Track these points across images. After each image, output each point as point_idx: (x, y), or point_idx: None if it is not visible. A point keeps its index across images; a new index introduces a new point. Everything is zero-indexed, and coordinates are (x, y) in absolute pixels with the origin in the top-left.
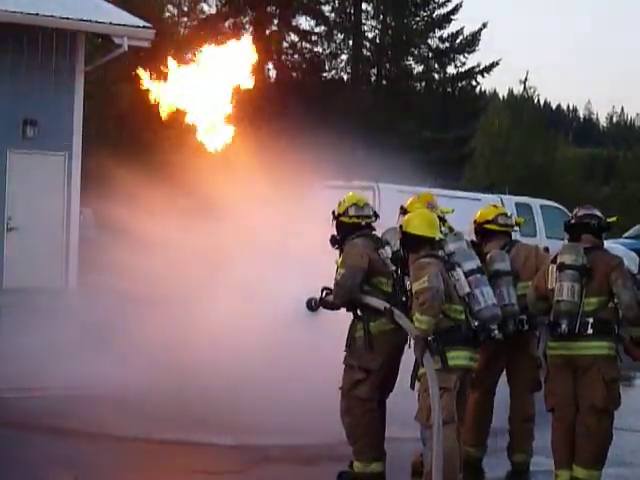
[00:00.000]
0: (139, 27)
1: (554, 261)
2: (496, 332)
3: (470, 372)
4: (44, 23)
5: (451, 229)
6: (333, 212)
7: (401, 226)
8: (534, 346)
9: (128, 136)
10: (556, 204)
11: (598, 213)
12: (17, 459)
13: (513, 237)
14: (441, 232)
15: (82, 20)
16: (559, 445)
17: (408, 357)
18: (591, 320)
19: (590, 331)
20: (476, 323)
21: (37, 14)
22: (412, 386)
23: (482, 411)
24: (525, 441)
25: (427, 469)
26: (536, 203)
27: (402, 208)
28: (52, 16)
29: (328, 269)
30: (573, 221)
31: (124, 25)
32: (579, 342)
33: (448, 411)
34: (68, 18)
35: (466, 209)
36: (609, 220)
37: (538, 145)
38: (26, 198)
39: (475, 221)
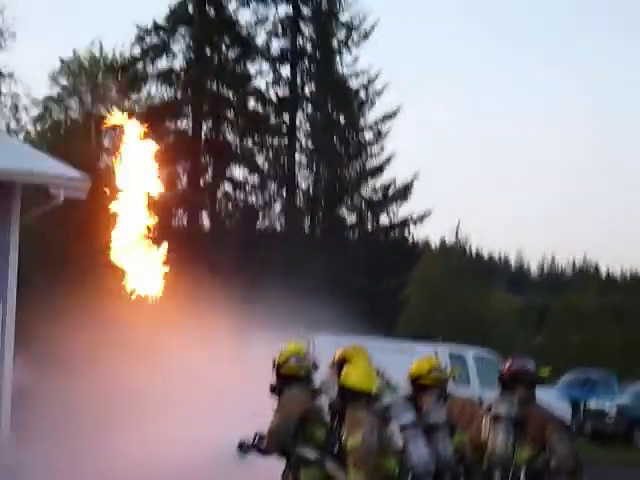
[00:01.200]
0: (75, 179)
1: (488, 411)
2: None
3: None
4: None
5: (388, 383)
6: (274, 361)
7: (339, 379)
8: None
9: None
10: (489, 354)
11: (531, 366)
12: None
13: (447, 388)
14: (378, 386)
15: (18, 172)
16: None
17: None
18: (523, 471)
19: None
20: (410, 477)
21: None
22: None
23: None
24: None
25: None
26: (469, 353)
27: (332, 362)
28: None
29: (263, 415)
30: (507, 373)
31: (60, 177)
32: None
33: None
34: (4, 169)
35: (402, 360)
36: (542, 374)
37: (471, 293)
38: None
39: (410, 375)
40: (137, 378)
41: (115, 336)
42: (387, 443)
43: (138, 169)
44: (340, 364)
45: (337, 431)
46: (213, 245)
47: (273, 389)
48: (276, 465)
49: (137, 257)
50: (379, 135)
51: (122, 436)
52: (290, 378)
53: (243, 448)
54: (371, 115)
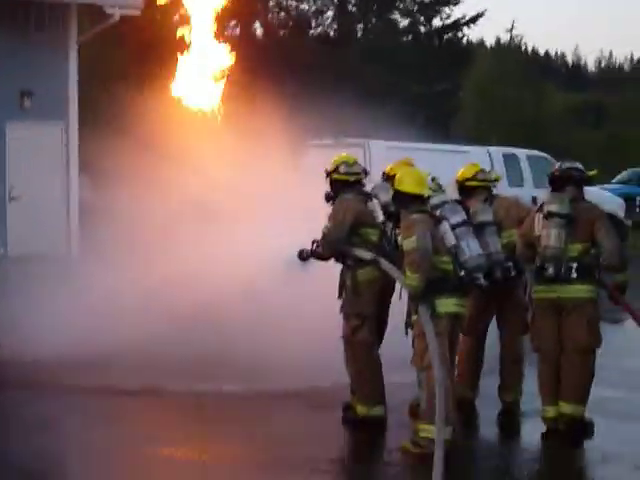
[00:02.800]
0: None
1: (540, 210)
2: (481, 280)
3: (460, 318)
4: None
5: (440, 186)
6: (325, 170)
7: (393, 184)
8: (521, 291)
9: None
10: (542, 153)
11: (580, 166)
12: (35, 416)
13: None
14: (430, 189)
15: None
16: (545, 383)
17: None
18: (575, 265)
19: (574, 275)
20: (462, 273)
21: None
22: (406, 332)
23: (474, 355)
24: (515, 381)
25: (422, 409)
26: (522, 153)
27: (384, 174)
28: None
29: (319, 223)
30: (557, 173)
31: None
32: (564, 286)
33: (440, 354)
34: None
35: (454, 162)
36: (590, 173)
37: (527, 94)
38: (26, 167)
39: (457, 180)
40: (200, 192)
41: (177, 152)
42: (440, 242)
43: None
44: (388, 179)
45: (391, 233)
46: (267, 54)
47: (327, 197)
48: (333, 267)
49: (195, 70)
50: None
51: (188, 250)
52: (341, 185)
53: (302, 255)
54: None
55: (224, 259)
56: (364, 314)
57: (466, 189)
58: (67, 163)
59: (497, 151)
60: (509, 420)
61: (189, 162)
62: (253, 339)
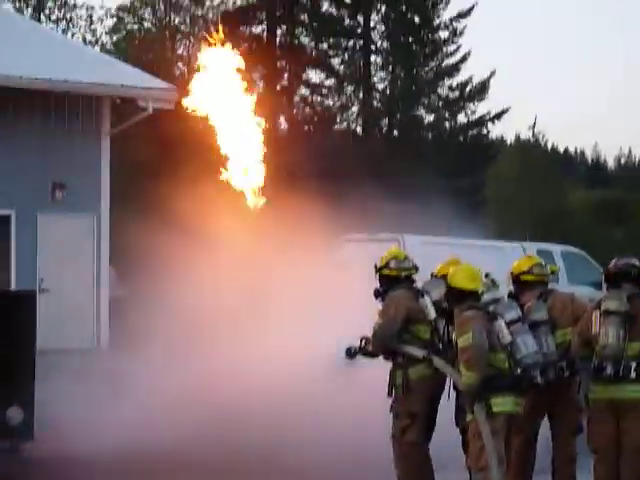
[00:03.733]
0: (164, 89)
1: (597, 307)
2: (538, 378)
3: (515, 417)
4: (73, 89)
5: (494, 282)
6: (375, 266)
7: (446, 280)
8: (575, 391)
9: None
10: (576, 249)
11: (637, 262)
12: None
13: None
14: (484, 285)
15: (108, 84)
16: None
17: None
18: (634, 364)
19: (633, 375)
20: (519, 370)
21: (66, 81)
22: (457, 424)
23: (526, 455)
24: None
25: None
26: (557, 249)
27: (432, 275)
28: (80, 82)
29: (361, 318)
30: (613, 270)
31: (149, 88)
32: (622, 385)
33: (496, 454)
34: (95, 83)
35: (491, 258)
36: None
37: (547, 189)
38: (57, 260)
39: (512, 273)
40: (234, 288)
41: (209, 246)
42: (495, 339)
43: (218, 77)
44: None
45: (444, 330)
46: (291, 150)
47: (377, 293)
48: (383, 366)
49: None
50: (454, 33)
51: (218, 346)
52: (392, 280)
53: (350, 353)
54: (446, 13)
55: (268, 355)
56: (414, 412)
57: (521, 282)
58: (98, 255)
59: (531, 247)
60: None
61: (225, 254)
62: (296, 436)
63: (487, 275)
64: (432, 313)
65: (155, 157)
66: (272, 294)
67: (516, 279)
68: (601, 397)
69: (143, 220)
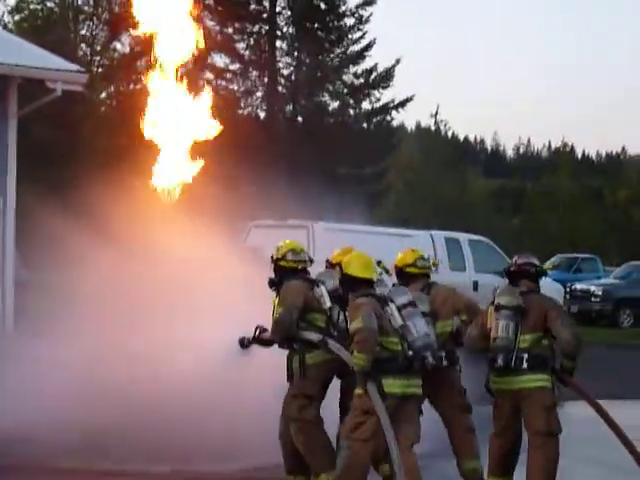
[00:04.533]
0: (74, 71)
1: (492, 303)
2: (430, 359)
3: (410, 398)
4: None
5: (386, 270)
6: (272, 257)
7: (341, 268)
8: (455, 377)
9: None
10: (484, 238)
11: (535, 261)
12: None
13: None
14: (378, 272)
15: (16, 65)
16: (494, 456)
17: None
18: (526, 355)
19: (525, 366)
20: (410, 352)
21: None
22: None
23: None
24: (471, 449)
25: (336, 474)
26: (465, 238)
27: (327, 261)
28: None
29: (262, 307)
30: (513, 268)
31: (58, 70)
32: (516, 376)
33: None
34: (2, 64)
35: (397, 246)
36: (545, 268)
37: (449, 178)
38: None
39: (396, 265)
40: (141, 273)
41: (116, 230)
42: (387, 323)
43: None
44: (332, 266)
45: (338, 318)
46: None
47: (272, 283)
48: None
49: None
50: (360, 21)
51: (123, 328)
52: (288, 272)
53: (244, 343)
54: (352, 0)
55: (164, 343)
56: (311, 395)
57: (405, 275)
58: (3, 237)
59: (439, 235)
60: None
61: (131, 241)
62: (187, 421)
63: (379, 263)
64: (327, 302)
65: (63, 139)
66: (174, 281)
67: (400, 272)
68: (499, 387)
69: (51, 203)
